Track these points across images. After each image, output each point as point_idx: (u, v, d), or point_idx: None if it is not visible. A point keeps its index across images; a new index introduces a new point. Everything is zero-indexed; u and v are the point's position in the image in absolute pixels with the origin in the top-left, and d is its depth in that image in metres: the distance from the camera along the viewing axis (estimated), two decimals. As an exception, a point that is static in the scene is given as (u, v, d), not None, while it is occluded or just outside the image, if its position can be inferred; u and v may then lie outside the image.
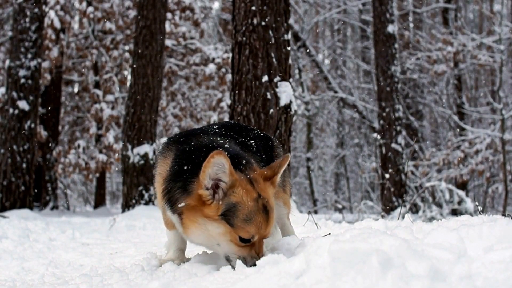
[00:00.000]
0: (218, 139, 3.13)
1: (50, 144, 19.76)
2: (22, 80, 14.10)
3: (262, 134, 3.73)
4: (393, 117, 16.00)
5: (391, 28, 16.40)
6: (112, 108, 19.21)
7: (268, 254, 2.83)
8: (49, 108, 19.89)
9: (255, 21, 7.10)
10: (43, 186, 19.77)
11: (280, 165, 3.02)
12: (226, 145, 3.04)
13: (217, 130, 3.35)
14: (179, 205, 2.88)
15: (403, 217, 4.71)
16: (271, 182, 2.97)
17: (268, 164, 3.22)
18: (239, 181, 2.79)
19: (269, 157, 3.50)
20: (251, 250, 2.83)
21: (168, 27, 19.72)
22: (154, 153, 13.43)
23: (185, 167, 2.93)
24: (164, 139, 3.54)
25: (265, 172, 2.96)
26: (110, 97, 19.22)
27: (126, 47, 19.84)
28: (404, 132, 16.96)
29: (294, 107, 7.23)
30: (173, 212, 2.97)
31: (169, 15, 19.74)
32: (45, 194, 19.92)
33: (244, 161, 2.95)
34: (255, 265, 2.69)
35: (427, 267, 1.93)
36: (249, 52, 7.11)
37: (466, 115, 23.78)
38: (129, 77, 18.44)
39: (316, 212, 22.18)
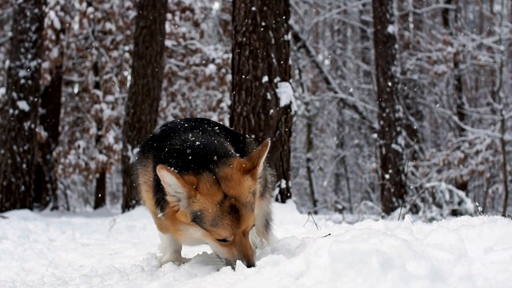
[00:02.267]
0: (191, 138, 3.05)
1: (50, 145, 19.76)
2: (22, 81, 14.10)
3: (231, 130, 3.66)
4: (393, 117, 16.00)
5: (391, 29, 16.40)
6: (112, 108, 19.22)
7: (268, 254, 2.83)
8: (49, 108, 19.88)
9: (255, 22, 7.10)
10: (43, 187, 19.77)
11: (259, 155, 2.93)
12: (197, 143, 2.98)
13: (186, 126, 3.27)
14: (159, 215, 2.95)
15: (403, 218, 4.71)
16: (250, 175, 2.88)
17: None
18: (199, 187, 2.75)
19: (242, 153, 3.37)
20: (233, 250, 2.82)
21: (168, 27, 19.73)
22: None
23: None
24: (138, 147, 3.43)
25: (243, 165, 2.87)
26: (110, 98, 19.22)
27: (126, 48, 19.84)
28: (404, 133, 16.96)
29: (294, 107, 7.23)
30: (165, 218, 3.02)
31: (169, 15, 19.73)
32: (45, 195, 19.91)
33: (215, 157, 2.86)
34: (254, 265, 2.70)
35: (427, 268, 1.93)
36: (249, 53, 7.11)
37: (466, 116, 23.78)
38: (129, 78, 18.43)
39: (316, 212, 22.17)
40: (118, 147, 18.44)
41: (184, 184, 2.74)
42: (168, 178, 2.72)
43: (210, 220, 2.74)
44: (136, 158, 3.34)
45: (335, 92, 23.35)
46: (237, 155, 3.11)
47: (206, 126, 3.35)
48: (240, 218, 2.77)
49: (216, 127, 3.41)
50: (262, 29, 7.10)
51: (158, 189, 2.94)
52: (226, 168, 2.83)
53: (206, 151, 2.91)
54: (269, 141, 3.01)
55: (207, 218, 2.75)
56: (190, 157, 2.88)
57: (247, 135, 3.88)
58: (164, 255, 3.44)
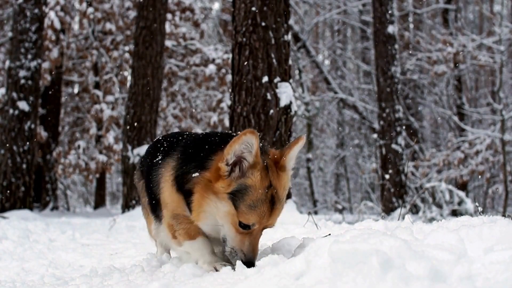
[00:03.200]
0: (213, 134, 3.12)
1: (50, 145, 19.76)
2: (22, 81, 14.10)
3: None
4: (393, 117, 16.00)
5: (391, 29, 16.40)
6: (112, 108, 19.22)
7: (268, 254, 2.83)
8: (49, 108, 19.89)
9: (255, 22, 7.10)
10: (43, 187, 19.77)
11: (290, 147, 2.90)
12: (224, 135, 3.01)
13: (191, 133, 3.37)
14: (193, 175, 2.81)
15: (403, 218, 4.70)
16: (280, 166, 2.86)
17: None
18: (260, 165, 2.74)
19: None
20: (246, 242, 2.78)
21: (168, 27, 19.73)
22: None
23: (200, 151, 2.89)
24: (161, 141, 3.39)
25: (275, 156, 2.87)
26: (110, 98, 19.23)
27: (126, 48, 19.84)
28: (404, 133, 16.95)
29: (294, 107, 7.23)
30: (186, 196, 2.90)
31: (169, 15, 19.74)
32: (45, 195, 19.92)
33: (260, 144, 2.84)
34: (253, 265, 2.69)
35: (427, 268, 1.93)
36: (249, 53, 7.11)
37: (466, 116, 23.78)
38: (129, 78, 18.44)
39: (316, 212, 22.17)
40: (118, 147, 18.45)
41: (259, 154, 2.71)
42: (251, 141, 2.65)
43: (251, 200, 2.71)
44: (155, 163, 3.22)
45: (335, 92, 23.36)
46: None
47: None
48: (273, 211, 2.78)
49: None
50: (262, 29, 7.10)
51: (186, 163, 2.89)
52: (267, 158, 2.84)
53: None
54: (304, 137, 2.98)
55: (249, 197, 2.71)
56: (229, 138, 2.85)
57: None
58: (203, 261, 3.02)
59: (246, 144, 2.67)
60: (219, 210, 2.77)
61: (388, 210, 15.02)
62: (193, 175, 2.82)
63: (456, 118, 21.50)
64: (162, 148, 3.27)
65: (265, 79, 7.06)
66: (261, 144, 2.83)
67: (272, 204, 2.76)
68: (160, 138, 3.51)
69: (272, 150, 2.93)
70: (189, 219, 2.96)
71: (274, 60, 7.13)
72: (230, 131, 3.08)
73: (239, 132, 2.78)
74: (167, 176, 3.04)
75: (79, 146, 19.15)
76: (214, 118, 20.57)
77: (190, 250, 3.09)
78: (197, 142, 2.99)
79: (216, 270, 2.88)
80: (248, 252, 2.78)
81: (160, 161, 3.17)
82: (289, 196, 7.24)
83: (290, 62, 7.37)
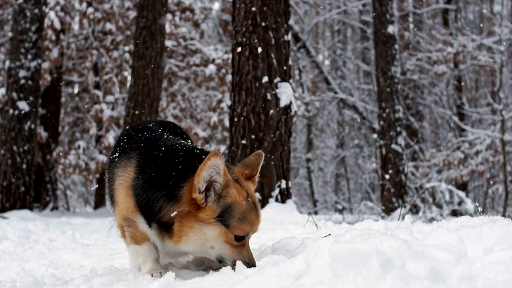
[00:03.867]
0: (177, 140, 3.11)
1: (50, 145, 19.76)
2: (22, 81, 14.10)
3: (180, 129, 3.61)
4: (393, 118, 16.00)
5: (391, 29, 16.40)
6: (112, 109, 19.22)
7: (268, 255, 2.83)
8: (49, 109, 19.89)
9: (255, 22, 7.10)
10: (43, 187, 19.77)
11: (257, 163, 3.08)
12: (197, 146, 3.07)
13: (155, 128, 3.26)
14: (171, 215, 2.78)
15: (403, 218, 4.70)
16: (251, 181, 3.04)
17: None
18: (231, 181, 2.82)
19: None
20: (244, 251, 2.87)
21: (168, 28, 19.73)
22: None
23: (166, 173, 2.83)
24: (116, 151, 3.22)
25: (246, 172, 3.03)
26: (110, 98, 19.23)
27: (126, 48, 19.84)
28: (404, 133, 16.96)
29: (294, 108, 7.23)
30: (151, 223, 2.89)
31: (169, 16, 19.74)
32: (45, 195, 19.92)
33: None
34: (254, 266, 2.71)
35: (427, 268, 1.93)
36: (249, 53, 7.11)
37: (466, 116, 23.78)
38: (129, 78, 18.43)
39: (316, 213, 22.17)
40: (118, 147, 18.41)
41: (226, 172, 2.77)
42: (217, 163, 2.69)
43: (240, 213, 2.79)
44: (115, 157, 3.16)
45: (335, 93, 23.36)
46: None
47: (170, 126, 3.44)
48: (259, 216, 2.93)
49: (178, 129, 3.48)
50: (262, 29, 7.10)
51: (150, 186, 2.84)
52: (234, 172, 2.96)
53: (203, 154, 2.94)
54: (262, 152, 3.14)
55: (237, 211, 2.79)
56: (195, 160, 2.87)
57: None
58: (144, 267, 3.13)
59: (213, 167, 2.72)
60: (207, 235, 2.79)
61: (388, 210, 15.02)
62: (171, 214, 2.79)
63: (456, 118, 21.50)
64: (122, 144, 3.19)
65: (265, 79, 7.06)
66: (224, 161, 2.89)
67: (256, 210, 2.90)
68: (128, 130, 3.37)
69: (237, 167, 3.07)
70: (136, 225, 2.99)
71: (274, 60, 7.13)
72: (189, 146, 3.04)
73: (202, 156, 2.84)
74: (123, 181, 3.01)
75: (79, 146, 19.15)
76: (214, 118, 20.57)
77: (135, 254, 3.16)
78: (161, 161, 2.90)
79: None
80: (250, 260, 2.86)
81: (116, 160, 3.12)
82: (289, 196, 7.25)
83: (290, 62, 7.37)
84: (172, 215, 2.80)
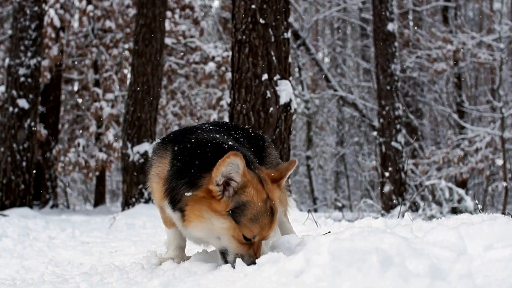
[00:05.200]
0: (217, 136, 3.15)
1: (50, 143, 19.75)
2: (22, 79, 14.09)
3: (253, 134, 3.75)
4: (393, 115, 16.00)
5: (391, 27, 16.39)
6: (112, 106, 19.21)
7: (268, 252, 2.83)
8: (49, 106, 19.88)
9: (255, 20, 7.09)
10: (43, 185, 19.77)
11: (287, 168, 3.08)
12: (230, 143, 3.06)
13: (211, 128, 3.39)
14: (186, 194, 2.88)
15: (403, 216, 4.71)
16: (277, 185, 3.02)
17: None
18: (251, 181, 2.82)
19: (260, 157, 3.51)
20: (250, 249, 2.86)
21: (168, 25, 19.71)
22: (154, 151, 13.39)
23: (191, 163, 2.94)
24: (157, 140, 3.44)
25: (272, 174, 3.01)
26: (110, 96, 19.22)
27: (126, 46, 19.83)
28: (404, 131, 16.95)
29: (294, 105, 7.23)
30: (175, 209, 2.97)
31: (169, 13, 19.72)
32: (45, 193, 19.92)
33: (253, 160, 3.01)
34: (254, 263, 2.71)
35: (427, 266, 1.94)
36: (249, 51, 7.10)
37: (466, 114, 23.78)
38: (129, 76, 18.42)
39: (316, 210, 22.18)
40: (118, 145, 18.44)
41: (246, 173, 2.80)
42: (233, 164, 2.74)
43: (252, 214, 2.79)
44: (155, 148, 3.34)
45: (335, 90, 23.35)
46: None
47: (229, 127, 3.57)
48: (272, 222, 2.89)
49: (240, 131, 3.61)
50: (261, 27, 7.10)
51: (178, 176, 2.96)
52: (261, 172, 2.97)
53: (244, 151, 3.03)
54: (297, 161, 3.18)
55: (250, 211, 2.79)
56: (222, 154, 2.91)
57: (266, 136, 3.92)
58: (167, 251, 3.45)
59: (232, 165, 2.76)
60: (215, 226, 2.84)
61: (388, 207, 15.03)
62: (186, 194, 2.90)
63: (455, 116, 21.50)
64: (165, 137, 3.41)
65: (265, 76, 7.05)
66: (253, 160, 3.02)
67: (271, 215, 2.87)
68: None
69: (266, 170, 3.09)
70: (165, 210, 3.15)
71: (274, 58, 7.12)
72: (220, 141, 3.09)
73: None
74: (159, 171, 3.18)
75: (79, 144, 19.15)
76: (214, 115, 20.57)
77: (167, 236, 3.49)
78: (188, 152, 3.02)
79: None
80: (253, 258, 2.84)
81: (155, 149, 3.32)
82: (289, 194, 7.24)
83: (289, 59, 7.36)
84: (186, 194, 2.88)
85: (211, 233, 2.88)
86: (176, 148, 3.10)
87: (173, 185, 2.97)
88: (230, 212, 2.80)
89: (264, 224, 2.82)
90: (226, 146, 2.98)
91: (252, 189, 2.81)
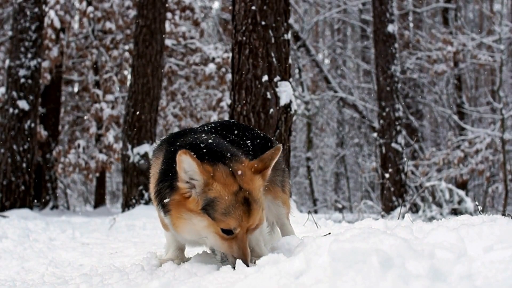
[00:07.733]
0: (204, 137, 3.16)
1: (50, 144, 19.75)
2: (22, 80, 14.10)
3: (261, 135, 3.77)
4: (393, 116, 16.00)
5: (391, 28, 16.40)
6: (112, 107, 19.21)
7: (267, 253, 2.83)
8: (49, 107, 19.87)
9: (255, 21, 7.09)
10: (43, 186, 19.76)
11: (271, 157, 3.05)
12: (210, 141, 3.08)
13: (210, 129, 3.42)
14: (165, 201, 2.93)
15: (403, 217, 4.71)
16: (261, 175, 3.00)
17: None
18: (215, 176, 2.83)
19: None
20: (233, 245, 2.86)
21: (168, 26, 19.72)
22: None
23: (172, 167, 2.96)
24: (157, 141, 3.52)
25: (255, 165, 2.99)
26: (110, 97, 19.22)
27: (126, 47, 19.83)
28: (404, 132, 16.96)
29: (294, 106, 7.23)
30: (164, 212, 3.01)
31: (169, 14, 19.73)
32: (45, 194, 19.91)
33: (228, 154, 2.98)
34: (246, 264, 2.74)
35: (427, 267, 1.94)
36: (249, 52, 7.10)
37: (466, 115, 23.79)
38: (129, 77, 18.43)
39: (316, 211, 22.18)
40: (118, 146, 18.44)
41: (203, 171, 2.80)
42: (187, 163, 2.77)
43: (223, 208, 2.80)
44: (154, 150, 3.43)
45: (335, 91, 23.35)
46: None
47: (232, 128, 3.57)
48: (250, 212, 2.86)
49: (246, 132, 3.62)
50: (262, 28, 7.10)
51: (162, 178, 3.01)
52: (239, 165, 2.95)
53: (218, 147, 3.03)
54: (281, 146, 3.14)
55: (220, 206, 2.80)
56: (204, 150, 2.97)
57: (273, 139, 3.92)
58: (167, 253, 3.48)
59: (185, 169, 2.80)
60: (197, 225, 2.88)
61: (388, 209, 15.03)
62: (165, 200, 2.95)
63: (456, 117, 21.50)
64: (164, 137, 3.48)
65: (265, 78, 7.05)
66: (229, 154, 2.99)
67: (247, 205, 2.85)
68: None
69: (248, 160, 3.06)
70: (159, 213, 3.17)
71: (274, 59, 7.12)
72: (208, 141, 3.11)
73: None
74: (152, 175, 3.27)
75: (79, 145, 19.14)
76: (214, 117, 20.57)
77: (166, 239, 3.54)
78: (172, 154, 3.04)
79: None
80: (238, 256, 2.84)
81: (154, 150, 3.42)
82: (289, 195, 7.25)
83: (290, 61, 7.36)
84: (165, 201, 2.94)
85: (197, 233, 2.91)
86: (166, 151, 3.16)
87: (159, 188, 3.03)
88: (203, 209, 2.82)
89: (238, 216, 2.81)
90: (205, 149, 2.99)
91: (217, 184, 2.81)
